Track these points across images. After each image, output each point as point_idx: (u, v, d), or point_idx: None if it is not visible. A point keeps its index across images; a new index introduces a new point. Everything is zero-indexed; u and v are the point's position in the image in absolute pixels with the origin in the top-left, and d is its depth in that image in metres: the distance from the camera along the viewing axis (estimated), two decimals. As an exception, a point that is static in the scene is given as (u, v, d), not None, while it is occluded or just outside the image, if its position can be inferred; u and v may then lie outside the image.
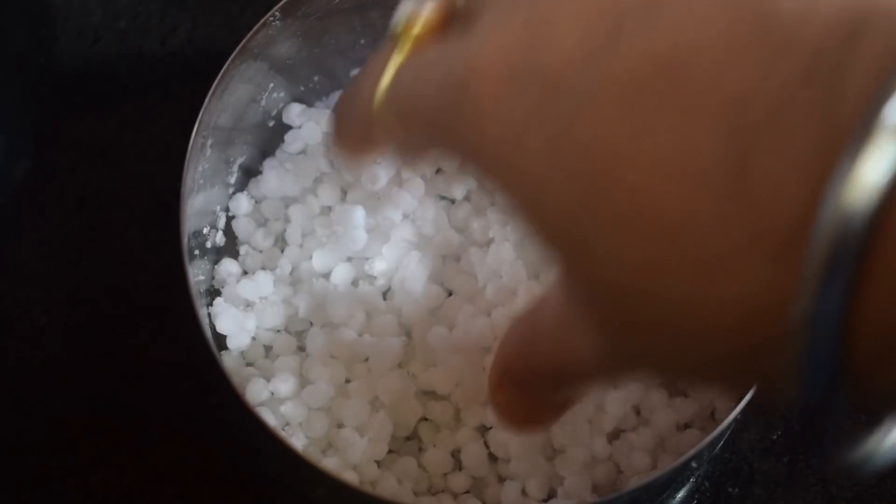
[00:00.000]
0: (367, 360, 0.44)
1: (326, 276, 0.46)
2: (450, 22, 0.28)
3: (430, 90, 0.26)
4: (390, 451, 0.43)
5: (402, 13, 0.29)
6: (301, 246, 0.47)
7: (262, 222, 0.48)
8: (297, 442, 0.43)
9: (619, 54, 0.21)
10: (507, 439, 0.43)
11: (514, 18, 0.24)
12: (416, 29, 0.29)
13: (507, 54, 0.23)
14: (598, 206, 0.21)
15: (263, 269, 0.47)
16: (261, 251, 0.47)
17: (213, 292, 0.47)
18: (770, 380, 0.21)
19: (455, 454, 0.44)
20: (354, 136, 0.33)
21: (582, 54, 0.22)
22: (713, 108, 0.20)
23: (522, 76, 0.23)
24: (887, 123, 0.18)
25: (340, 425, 0.43)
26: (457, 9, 0.28)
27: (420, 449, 0.44)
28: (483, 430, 0.44)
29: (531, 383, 0.29)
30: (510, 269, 0.45)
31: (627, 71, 0.21)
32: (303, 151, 0.49)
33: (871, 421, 0.21)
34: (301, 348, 0.46)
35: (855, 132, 0.18)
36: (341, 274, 0.46)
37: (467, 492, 0.43)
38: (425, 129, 0.27)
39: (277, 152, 0.49)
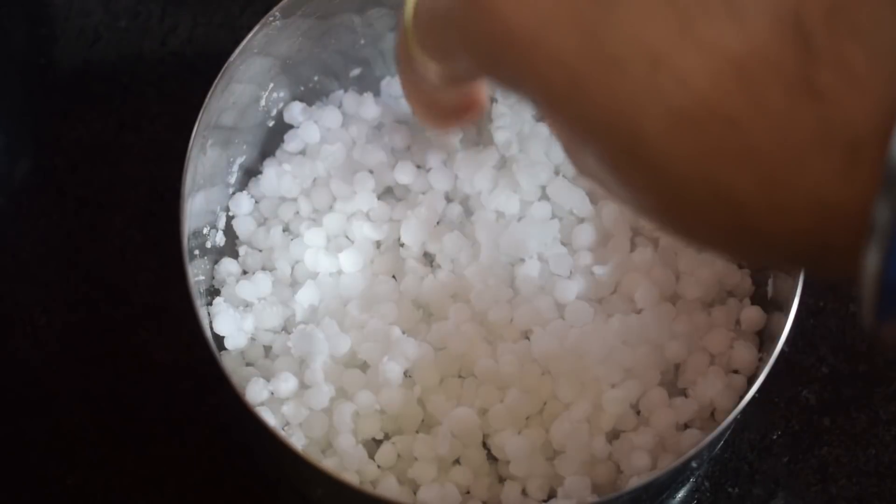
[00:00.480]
0: (364, 363, 0.45)
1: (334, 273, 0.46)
2: None
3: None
4: (390, 451, 0.43)
5: None
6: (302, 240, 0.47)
7: (262, 222, 0.48)
8: (297, 442, 0.43)
9: None
10: (506, 441, 0.43)
11: None
12: None
13: None
14: (647, 99, 0.20)
15: (263, 269, 0.47)
16: (260, 251, 0.47)
17: (213, 292, 0.46)
18: (838, 272, 0.20)
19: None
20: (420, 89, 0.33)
21: None
22: None
23: None
24: None
25: (339, 427, 0.43)
26: None
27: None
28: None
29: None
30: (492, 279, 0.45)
31: None
32: (302, 151, 0.49)
33: None
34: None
35: None
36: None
37: (468, 492, 0.43)
38: (450, 41, 0.26)
39: (277, 152, 0.49)
